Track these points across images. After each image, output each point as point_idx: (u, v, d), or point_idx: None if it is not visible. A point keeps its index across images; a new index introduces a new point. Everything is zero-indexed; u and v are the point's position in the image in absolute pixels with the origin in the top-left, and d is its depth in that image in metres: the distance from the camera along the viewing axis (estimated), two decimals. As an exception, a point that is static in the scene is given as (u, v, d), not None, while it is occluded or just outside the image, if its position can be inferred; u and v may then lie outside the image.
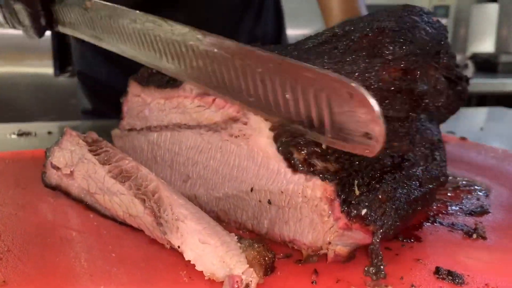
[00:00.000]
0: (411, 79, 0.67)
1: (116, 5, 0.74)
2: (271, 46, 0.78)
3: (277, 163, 0.60)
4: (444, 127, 0.85)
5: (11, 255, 0.60)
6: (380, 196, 0.57)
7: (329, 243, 0.58)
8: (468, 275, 0.58)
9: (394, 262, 0.62)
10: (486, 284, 0.56)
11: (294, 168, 0.58)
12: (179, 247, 0.59)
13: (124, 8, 0.72)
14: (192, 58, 0.61)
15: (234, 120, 0.65)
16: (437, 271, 0.59)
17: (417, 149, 0.68)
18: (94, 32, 0.80)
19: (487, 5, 3.83)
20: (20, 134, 1.28)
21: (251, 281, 0.54)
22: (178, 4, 1.37)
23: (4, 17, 0.99)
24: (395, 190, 0.59)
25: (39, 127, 1.34)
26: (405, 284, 0.57)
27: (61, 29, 0.94)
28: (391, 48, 0.66)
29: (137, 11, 0.69)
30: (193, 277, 0.57)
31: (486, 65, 3.46)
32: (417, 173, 0.66)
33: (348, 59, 0.65)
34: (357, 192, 0.56)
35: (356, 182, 0.56)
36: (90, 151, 0.77)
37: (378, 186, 0.57)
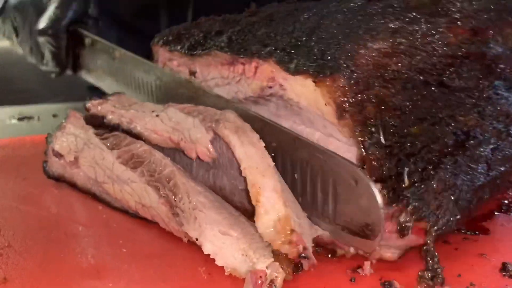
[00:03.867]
0: (482, 40, 0.69)
1: (141, 59, 0.94)
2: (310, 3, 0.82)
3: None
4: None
5: (12, 251, 0.67)
6: (435, 186, 0.58)
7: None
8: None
9: (453, 258, 0.64)
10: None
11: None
12: (197, 239, 0.64)
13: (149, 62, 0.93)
14: None
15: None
16: (504, 267, 0.61)
17: (487, 123, 0.68)
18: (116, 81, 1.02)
19: None
20: (21, 118, 1.37)
21: (276, 277, 0.58)
22: None
23: (30, 50, 1.18)
24: (456, 176, 0.60)
25: (43, 110, 1.42)
26: (462, 282, 0.59)
27: (84, 74, 1.17)
28: (458, 4, 0.68)
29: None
30: (213, 273, 0.62)
31: None
32: (486, 153, 0.66)
33: (407, 19, 0.67)
34: (406, 183, 0.58)
35: (406, 170, 0.58)
36: (97, 135, 0.83)
37: (433, 173, 0.59)
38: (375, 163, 0.58)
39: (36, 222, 0.75)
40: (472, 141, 0.63)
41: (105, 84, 1.10)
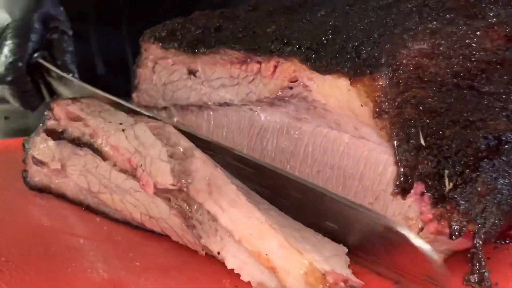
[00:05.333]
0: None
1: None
2: None
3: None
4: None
5: (13, 266, 0.66)
6: (479, 189, 0.61)
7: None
8: None
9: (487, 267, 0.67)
10: None
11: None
12: (218, 253, 0.64)
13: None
14: None
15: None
16: (538, 276, 0.65)
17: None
18: None
19: None
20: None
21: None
22: None
23: None
24: (496, 180, 0.63)
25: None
26: (499, 291, 0.62)
27: None
28: (495, 9, 0.71)
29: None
30: (239, 286, 0.63)
31: None
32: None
33: (445, 20, 0.70)
34: (449, 185, 0.60)
35: (447, 172, 0.61)
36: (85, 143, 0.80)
37: (474, 175, 0.61)
38: (416, 165, 0.60)
39: (30, 235, 0.74)
40: (506, 146, 0.66)
41: None
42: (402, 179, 0.61)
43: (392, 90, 0.62)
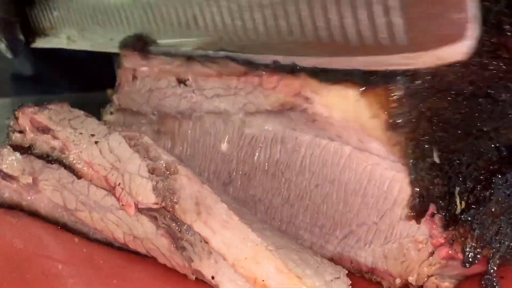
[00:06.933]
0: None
1: None
2: None
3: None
4: None
5: (-16, 296, 0.61)
6: (493, 209, 0.58)
7: (428, 276, 0.60)
8: None
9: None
10: None
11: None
12: (213, 277, 0.61)
13: None
14: None
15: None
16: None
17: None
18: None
19: None
20: None
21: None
22: None
23: None
24: (509, 197, 0.60)
25: None
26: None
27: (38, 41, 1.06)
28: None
29: None
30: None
31: None
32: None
33: None
34: (460, 204, 0.58)
35: (457, 189, 0.58)
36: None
37: (487, 194, 0.59)
38: (428, 183, 0.57)
39: (2, 260, 0.69)
40: None
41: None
42: (417, 201, 0.58)
43: (408, 101, 0.59)
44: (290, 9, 0.64)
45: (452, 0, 0.53)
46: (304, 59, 0.66)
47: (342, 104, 0.62)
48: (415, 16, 0.55)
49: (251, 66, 0.71)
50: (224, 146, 0.78)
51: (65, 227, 0.76)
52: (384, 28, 0.57)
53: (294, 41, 0.66)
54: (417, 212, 0.58)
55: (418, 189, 0.58)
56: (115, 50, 0.89)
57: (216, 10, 0.72)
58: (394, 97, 0.58)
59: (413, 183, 0.58)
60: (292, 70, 0.67)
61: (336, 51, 0.62)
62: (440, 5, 0.53)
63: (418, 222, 0.58)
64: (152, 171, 0.67)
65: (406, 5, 0.55)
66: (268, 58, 0.69)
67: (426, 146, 0.58)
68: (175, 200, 0.64)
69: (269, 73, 0.69)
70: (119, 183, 0.67)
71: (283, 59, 0.68)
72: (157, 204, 0.64)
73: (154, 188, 0.65)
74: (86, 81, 1.30)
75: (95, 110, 0.92)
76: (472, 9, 0.52)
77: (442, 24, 0.54)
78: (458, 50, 0.54)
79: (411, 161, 0.58)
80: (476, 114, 0.62)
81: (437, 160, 0.58)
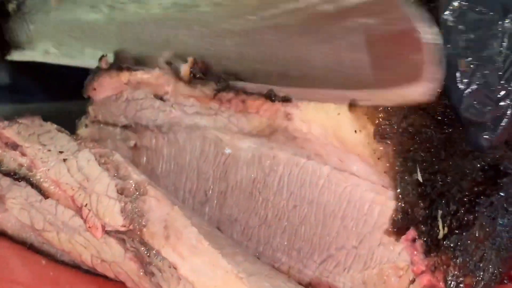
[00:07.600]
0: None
1: None
2: None
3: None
4: None
5: None
6: (476, 234, 0.57)
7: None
8: None
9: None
10: None
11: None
12: (182, 305, 0.59)
13: None
14: None
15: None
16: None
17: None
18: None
19: None
20: None
21: None
22: None
23: None
24: (494, 221, 0.59)
25: None
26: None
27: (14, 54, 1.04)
28: None
29: None
30: None
31: None
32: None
33: None
34: (443, 229, 0.56)
35: (440, 212, 0.56)
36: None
37: (471, 217, 0.57)
38: (413, 198, 0.56)
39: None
40: (505, 178, 0.62)
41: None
42: (400, 216, 0.56)
43: (396, 112, 0.58)
44: (257, 38, 0.64)
45: (411, 41, 0.53)
46: (279, 88, 0.66)
47: (321, 118, 0.62)
48: (379, 55, 0.55)
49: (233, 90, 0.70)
50: (200, 164, 0.75)
51: (32, 248, 0.73)
52: (350, 64, 0.57)
53: (265, 70, 0.65)
54: (398, 228, 0.57)
55: (402, 204, 0.57)
56: (92, 65, 0.87)
57: (188, 33, 0.72)
58: (382, 108, 0.58)
59: (398, 198, 0.57)
60: (270, 97, 0.66)
61: (308, 83, 0.62)
62: (401, 46, 0.54)
63: (397, 239, 0.57)
64: (121, 191, 0.64)
65: (371, 42, 0.55)
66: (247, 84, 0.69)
67: (410, 164, 0.57)
68: (143, 223, 0.61)
69: (252, 97, 0.68)
70: (86, 204, 0.65)
71: (261, 87, 0.67)
72: (124, 226, 0.62)
73: (122, 210, 0.63)
74: (66, 89, 1.27)
75: (74, 120, 0.91)
76: (430, 51, 0.52)
77: (404, 64, 0.54)
78: (419, 91, 0.54)
79: (398, 174, 0.57)
80: (461, 132, 0.60)
81: (420, 179, 0.56)
